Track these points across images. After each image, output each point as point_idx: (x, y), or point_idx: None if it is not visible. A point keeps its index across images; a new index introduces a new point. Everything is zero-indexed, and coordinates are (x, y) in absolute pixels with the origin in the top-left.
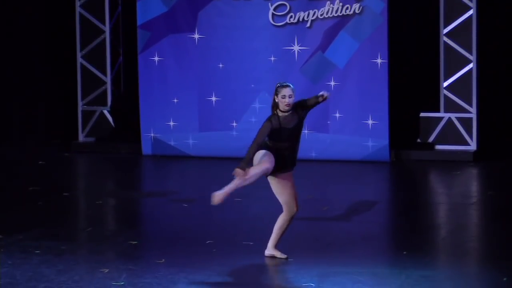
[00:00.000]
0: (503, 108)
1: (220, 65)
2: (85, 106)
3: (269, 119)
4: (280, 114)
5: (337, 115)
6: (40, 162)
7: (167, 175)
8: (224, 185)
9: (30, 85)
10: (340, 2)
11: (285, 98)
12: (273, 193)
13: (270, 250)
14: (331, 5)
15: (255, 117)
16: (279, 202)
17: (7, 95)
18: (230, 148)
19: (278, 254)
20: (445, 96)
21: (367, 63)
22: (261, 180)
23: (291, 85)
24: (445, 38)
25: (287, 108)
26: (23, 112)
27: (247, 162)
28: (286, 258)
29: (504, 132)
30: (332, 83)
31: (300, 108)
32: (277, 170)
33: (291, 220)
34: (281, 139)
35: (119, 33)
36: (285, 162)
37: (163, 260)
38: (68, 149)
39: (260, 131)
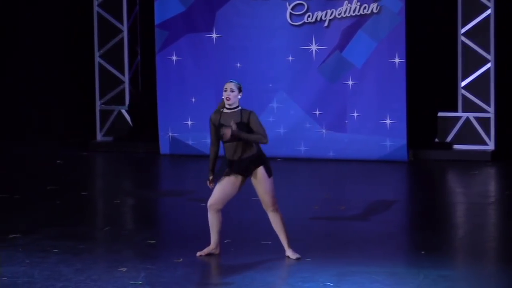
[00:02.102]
0: None
1: (238, 65)
2: (103, 106)
3: (210, 116)
4: (224, 111)
5: (355, 114)
6: (58, 161)
7: (184, 175)
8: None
9: (48, 84)
10: (358, 1)
11: (226, 91)
12: (290, 193)
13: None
14: (349, 5)
15: (273, 117)
16: (296, 201)
17: (26, 94)
18: None
19: (291, 254)
20: (463, 96)
21: (385, 62)
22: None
23: (235, 82)
24: (463, 38)
25: (227, 102)
26: (41, 111)
27: (210, 169)
28: (299, 258)
29: None
30: (350, 82)
31: (247, 120)
32: (231, 170)
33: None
34: (222, 138)
35: (137, 32)
36: (232, 163)
37: (181, 259)
38: (86, 148)
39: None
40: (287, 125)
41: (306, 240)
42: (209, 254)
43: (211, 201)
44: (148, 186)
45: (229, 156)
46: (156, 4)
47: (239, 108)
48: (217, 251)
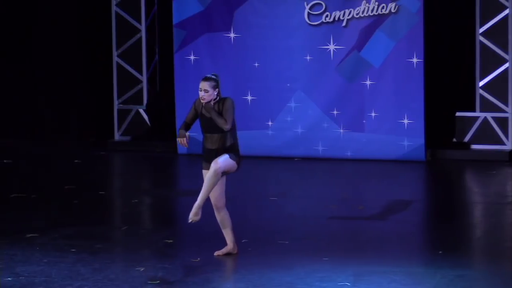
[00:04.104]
0: None
1: (256, 64)
2: (121, 105)
3: (195, 100)
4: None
5: (373, 114)
6: (76, 161)
7: (202, 174)
8: (261, 184)
9: (66, 83)
10: (376, 1)
11: (201, 91)
12: (307, 192)
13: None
14: (367, 4)
15: (290, 116)
16: (314, 201)
17: (44, 94)
18: (265, 147)
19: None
20: (481, 96)
21: (403, 62)
22: (296, 180)
23: (210, 78)
24: (481, 38)
25: (203, 101)
26: (59, 111)
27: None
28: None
29: None
30: (368, 82)
31: (221, 109)
32: (205, 160)
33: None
34: (203, 128)
35: (155, 32)
36: (209, 154)
37: (199, 259)
38: (104, 147)
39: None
40: (305, 124)
41: (323, 240)
42: (227, 254)
43: (212, 202)
44: (166, 186)
45: (207, 145)
46: (174, 3)
47: (217, 98)
48: (235, 251)
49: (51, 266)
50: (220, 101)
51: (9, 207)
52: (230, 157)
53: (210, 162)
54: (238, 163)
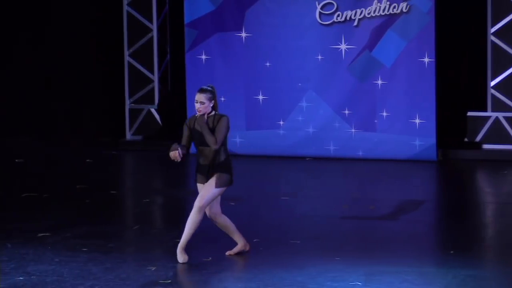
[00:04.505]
0: None
1: (267, 64)
2: (132, 105)
3: (187, 119)
4: (198, 116)
5: (384, 114)
6: (87, 160)
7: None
8: (272, 184)
9: (77, 83)
10: (387, 1)
11: (197, 103)
12: (319, 192)
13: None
14: (379, 4)
15: (302, 116)
16: (326, 201)
17: (55, 93)
18: (277, 147)
19: (180, 255)
20: (493, 95)
21: (414, 62)
22: (308, 180)
23: (206, 90)
24: (492, 37)
25: (199, 113)
26: (71, 110)
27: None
28: (184, 262)
29: None
30: (379, 82)
31: (215, 126)
32: (199, 173)
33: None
34: (196, 142)
35: (166, 31)
36: (202, 169)
37: (210, 258)
38: (115, 147)
39: None
40: (316, 124)
41: (336, 240)
42: (239, 253)
43: (207, 213)
44: (177, 185)
45: (200, 160)
46: (185, 3)
47: (213, 113)
48: (247, 248)
49: (63, 266)
50: (216, 117)
51: (21, 207)
52: (218, 183)
53: (203, 175)
54: (230, 180)
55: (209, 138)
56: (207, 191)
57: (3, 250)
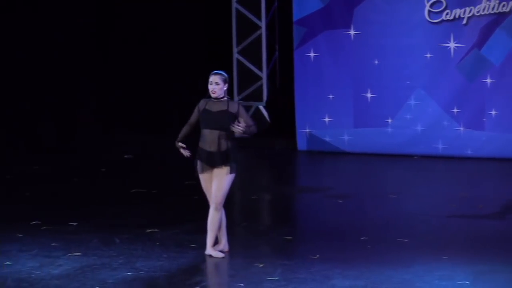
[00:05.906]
0: None
1: (376, 62)
2: (241, 102)
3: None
4: (211, 99)
5: (493, 112)
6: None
7: (321, 171)
8: (379, 182)
9: (187, 79)
10: None
11: (211, 84)
12: (427, 191)
13: (208, 249)
14: (488, 2)
15: (410, 114)
16: (434, 199)
17: (165, 91)
18: (385, 145)
19: (213, 253)
20: None
21: None
22: (416, 178)
23: (222, 74)
24: None
25: (213, 95)
26: (180, 106)
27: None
28: (223, 257)
29: None
30: (488, 80)
31: (236, 111)
32: (205, 163)
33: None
34: (204, 123)
35: (275, 29)
36: (208, 157)
37: (318, 256)
38: None
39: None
40: (425, 122)
41: (443, 238)
42: (221, 251)
43: (210, 200)
44: (285, 182)
45: (205, 146)
46: (294, 0)
47: (225, 98)
48: (226, 249)
49: (171, 262)
50: (230, 102)
51: (129, 202)
52: (229, 174)
53: (209, 165)
54: (237, 168)
55: (251, 130)
56: (220, 187)
57: (112, 246)
